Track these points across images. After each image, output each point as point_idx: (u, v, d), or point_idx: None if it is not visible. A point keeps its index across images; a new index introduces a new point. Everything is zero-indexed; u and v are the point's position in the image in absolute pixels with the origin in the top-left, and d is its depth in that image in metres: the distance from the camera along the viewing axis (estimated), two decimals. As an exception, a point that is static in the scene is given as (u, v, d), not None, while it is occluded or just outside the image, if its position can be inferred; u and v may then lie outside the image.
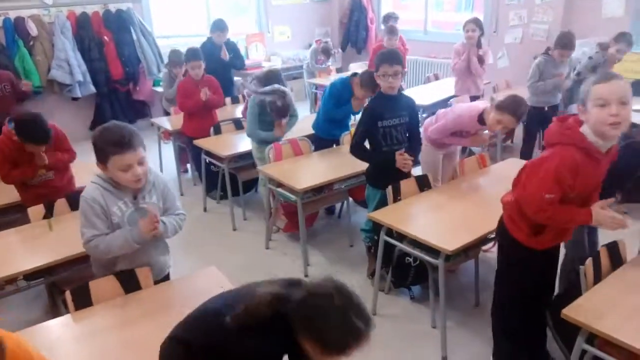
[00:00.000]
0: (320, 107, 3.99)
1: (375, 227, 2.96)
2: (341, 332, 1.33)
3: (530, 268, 2.23)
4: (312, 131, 4.09)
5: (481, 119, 3.22)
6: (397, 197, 2.89)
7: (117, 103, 6.63)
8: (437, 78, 6.21)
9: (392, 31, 5.71)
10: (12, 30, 5.78)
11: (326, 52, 6.66)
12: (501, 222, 2.29)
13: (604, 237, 2.42)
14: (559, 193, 1.96)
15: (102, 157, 2.01)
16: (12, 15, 5.78)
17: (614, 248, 2.22)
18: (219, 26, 5.59)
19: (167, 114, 5.30)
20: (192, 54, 4.47)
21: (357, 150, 2.99)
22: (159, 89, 6.62)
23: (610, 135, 1.89)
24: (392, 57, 2.84)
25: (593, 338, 1.92)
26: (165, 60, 5.60)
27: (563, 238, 2.24)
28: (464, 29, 4.84)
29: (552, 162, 1.95)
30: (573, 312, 1.90)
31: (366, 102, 3.73)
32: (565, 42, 4.36)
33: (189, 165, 5.36)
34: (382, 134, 2.92)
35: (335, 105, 3.84)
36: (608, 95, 1.84)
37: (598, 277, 2.10)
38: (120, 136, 1.97)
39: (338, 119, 3.98)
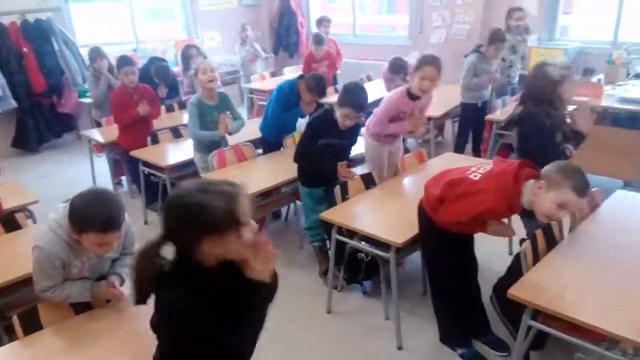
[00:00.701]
0: (268, 111, 3.97)
1: (325, 226, 3.02)
2: (218, 211, 1.31)
3: (452, 247, 2.41)
4: (254, 136, 4.09)
5: (410, 94, 3.32)
6: (345, 196, 2.96)
7: (41, 117, 6.28)
8: (369, 79, 6.38)
9: (318, 41, 5.80)
10: None
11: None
12: (420, 205, 2.45)
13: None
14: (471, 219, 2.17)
15: (79, 227, 1.83)
16: None
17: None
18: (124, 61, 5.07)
19: (98, 125, 5.09)
20: (123, 60, 4.35)
21: (299, 160, 3.12)
22: (86, 100, 6.36)
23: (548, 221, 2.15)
24: (359, 104, 2.92)
25: (537, 314, 2.07)
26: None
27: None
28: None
29: (484, 205, 2.08)
30: (517, 291, 2.04)
31: (313, 106, 3.82)
32: (503, 38, 4.63)
33: (123, 178, 5.19)
34: (321, 145, 3.02)
35: (284, 109, 3.85)
36: (572, 205, 2.00)
37: (536, 258, 2.27)
38: (109, 218, 1.82)
39: (287, 124, 3.99)
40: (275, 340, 2.79)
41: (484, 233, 2.27)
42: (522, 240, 2.80)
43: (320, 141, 3.00)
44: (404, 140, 4.11)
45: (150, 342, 1.56)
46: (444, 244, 2.40)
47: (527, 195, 2.07)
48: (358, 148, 3.59)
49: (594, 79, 4.70)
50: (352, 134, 3.16)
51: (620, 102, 4.05)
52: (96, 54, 4.99)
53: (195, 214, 1.31)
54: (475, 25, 6.20)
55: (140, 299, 1.43)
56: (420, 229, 2.51)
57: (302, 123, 3.80)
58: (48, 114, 6.38)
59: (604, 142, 4.10)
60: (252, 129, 4.19)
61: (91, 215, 1.80)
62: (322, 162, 3.05)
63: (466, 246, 2.51)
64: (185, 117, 4.67)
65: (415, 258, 3.28)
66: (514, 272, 2.34)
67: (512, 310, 2.28)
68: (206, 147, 3.74)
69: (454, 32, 6.49)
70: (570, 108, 2.84)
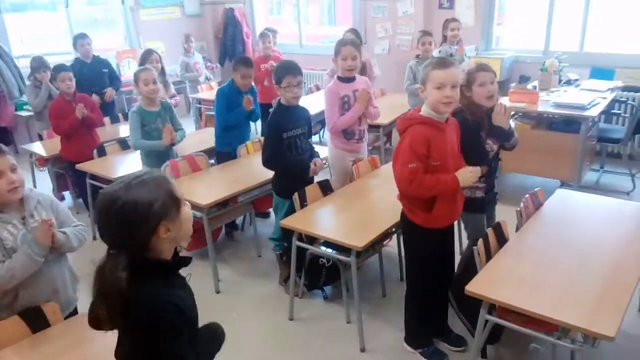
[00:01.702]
0: (215, 118, 3.96)
1: (286, 234, 3.04)
2: (162, 197, 1.33)
3: (432, 249, 2.51)
4: (206, 146, 4.06)
5: (341, 78, 3.46)
6: (303, 203, 3.00)
7: (-25, 131, 5.94)
8: (318, 89, 6.46)
9: (263, 35, 5.83)
10: None
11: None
12: (402, 213, 2.55)
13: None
14: (420, 162, 2.29)
15: None
16: None
17: (498, 228, 2.54)
18: (80, 35, 5.41)
19: (40, 138, 4.88)
20: (59, 67, 4.22)
21: (270, 163, 3.12)
22: (23, 113, 6.07)
23: (443, 111, 2.32)
24: (294, 68, 3.00)
25: (493, 309, 2.19)
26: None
27: (454, 215, 2.53)
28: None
29: (406, 140, 2.32)
30: (473, 287, 2.15)
31: (251, 82, 3.91)
32: (428, 33, 5.02)
33: (67, 193, 4.98)
34: (287, 145, 3.03)
35: (227, 109, 3.86)
36: (444, 80, 2.24)
37: (489, 255, 2.40)
38: None
39: (235, 126, 3.96)
40: (238, 350, 2.78)
41: (457, 186, 2.33)
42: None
43: (284, 135, 3.03)
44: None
45: None
46: (424, 245, 2.51)
47: (424, 106, 2.36)
48: (321, 153, 3.63)
49: (529, 86, 4.99)
50: (306, 118, 3.22)
51: (555, 107, 4.33)
52: (39, 64, 4.78)
53: (144, 209, 1.30)
54: (416, 36, 6.42)
55: (114, 320, 1.32)
56: (403, 233, 2.63)
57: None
58: (-18, 129, 6.04)
59: (542, 145, 4.38)
60: (203, 138, 4.17)
61: None
62: (291, 158, 3.08)
63: (447, 249, 2.63)
64: (120, 131, 4.59)
65: (374, 261, 3.36)
66: (468, 269, 2.45)
67: (468, 306, 2.39)
68: (155, 158, 3.64)
69: (397, 42, 6.71)
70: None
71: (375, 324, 2.97)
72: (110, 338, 1.43)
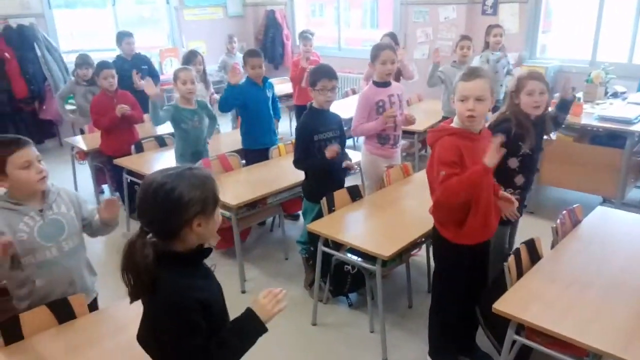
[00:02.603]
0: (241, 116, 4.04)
1: (312, 238, 3.02)
2: (205, 193, 1.40)
3: (462, 265, 2.42)
4: (240, 146, 4.09)
5: (377, 83, 3.45)
6: (331, 208, 2.97)
7: (22, 123, 6.19)
8: (354, 92, 6.43)
9: (304, 38, 5.84)
10: None
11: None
12: (434, 227, 2.47)
13: (522, 236, 2.66)
14: (449, 168, 2.17)
15: None
16: None
17: (531, 245, 2.45)
18: (124, 33, 5.54)
19: (81, 132, 5.04)
20: (102, 64, 4.33)
21: (299, 164, 3.12)
22: (68, 107, 6.28)
23: (468, 125, 2.21)
24: (330, 72, 3.00)
25: (521, 328, 2.10)
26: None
27: (487, 232, 2.41)
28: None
29: (436, 152, 2.24)
30: (502, 305, 2.07)
31: (263, 70, 3.96)
32: (467, 36, 4.87)
33: (105, 186, 5.13)
34: (317, 148, 3.03)
35: (244, 104, 3.95)
36: (467, 92, 2.14)
37: (520, 272, 2.31)
38: (10, 138, 2.00)
39: (256, 121, 4.00)
40: (259, 351, 2.78)
41: (487, 169, 2.11)
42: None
43: (315, 137, 3.02)
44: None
45: (137, 357, 1.53)
46: (453, 261, 2.42)
47: (456, 117, 2.25)
48: (353, 158, 3.60)
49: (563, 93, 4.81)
50: (338, 122, 3.20)
51: (599, 121, 4.15)
52: (82, 61, 4.93)
53: (186, 199, 1.36)
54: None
55: (139, 292, 1.41)
56: (433, 246, 2.55)
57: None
58: (29, 121, 6.29)
59: (583, 159, 4.21)
60: (237, 138, 4.19)
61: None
62: (321, 162, 3.06)
63: (478, 266, 2.51)
64: (158, 128, 4.67)
65: (402, 271, 3.30)
66: (498, 286, 2.37)
67: (497, 324, 2.31)
68: (189, 157, 3.73)
69: (437, 48, 6.59)
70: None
71: (399, 335, 2.92)
72: (129, 333, 1.45)
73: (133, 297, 1.42)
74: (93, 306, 2.27)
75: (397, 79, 5.12)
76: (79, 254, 2.20)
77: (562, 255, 2.46)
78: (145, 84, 3.63)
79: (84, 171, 4.95)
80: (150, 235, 1.40)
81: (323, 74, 2.98)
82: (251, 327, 1.53)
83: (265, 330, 1.54)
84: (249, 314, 1.53)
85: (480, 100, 2.14)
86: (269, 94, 4.06)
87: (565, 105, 3.03)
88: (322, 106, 3.05)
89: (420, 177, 3.56)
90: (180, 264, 1.42)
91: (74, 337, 1.97)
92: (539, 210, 4.33)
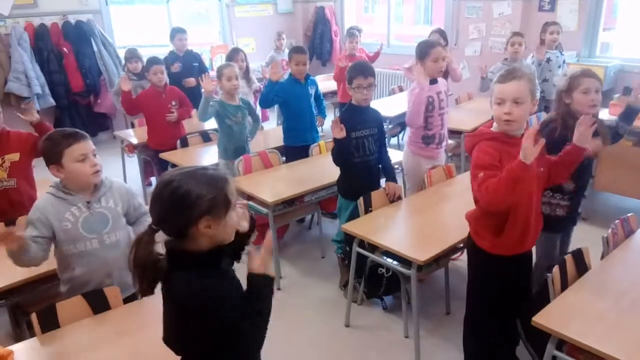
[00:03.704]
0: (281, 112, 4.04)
1: (348, 239, 2.98)
2: (211, 194, 1.36)
3: (499, 277, 2.27)
4: (280, 143, 4.09)
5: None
6: (368, 209, 2.91)
7: (78, 116, 6.45)
8: (401, 90, 6.31)
9: (350, 34, 5.78)
10: (-35, 41, 5.57)
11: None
12: (468, 236, 2.35)
13: (575, 245, 2.51)
14: (488, 170, 2.01)
15: (55, 157, 2.04)
16: (-35, 26, 5.58)
17: (578, 255, 2.30)
18: (177, 29, 5.64)
19: (132, 125, 5.20)
20: (152, 60, 4.42)
21: (336, 160, 3.07)
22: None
23: (505, 130, 2.06)
24: (366, 70, 2.94)
25: (562, 344, 1.98)
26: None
27: (525, 244, 2.26)
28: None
29: (473, 157, 2.11)
30: (542, 319, 1.95)
31: (307, 68, 3.91)
32: (519, 33, 4.72)
33: (153, 179, 5.26)
34: (354, 145, 2.97)
35: (285, 101, 3.93)
36: (504, 94, 2.01)
37: (565, 284, 2.18)
38: (68, 131, 2.10)
39: (298, 117, 3.97)
40: (291, 347, 2.77)
41: (525, 162, 1.87)
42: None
43: (353, 134, 2.97)
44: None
45: (167, 350, 1.52)
46: (489, 274, 2.28)
47: (498, 128, 2.11)
48: (394, 158, 3.54)
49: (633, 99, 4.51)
50: (377, 120, 3.13)
51: (661, 124, 3.86)
52: (131, 55, 5.12)
53: (193, 198, 1.34)
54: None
55: (146, 289, 1.41)
56: (468, 256, 2.41)
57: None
58: (85, 113, 6.55)
59: (641, 165, 3.95)
60: (279, 135, 4.19)
61: (54, 137, 2.08)
62: (357, 159, 3.02)
63: (520, 278, 2.35)
64: (205, 123, 4.70)
65: (440, 275, 3.20)
66: (541, 297, 2.24)
67: (537, 337, 2.18)
68: (232, 152, 3.79)
69: (490, 45, 6.38)
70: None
71: (434, 342, 2.83)
72: (161, 325, 1.46)
73: (142, 293, 1.42)
74: (131, 300, 2.29)
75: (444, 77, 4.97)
76: (122, 247, 2.23)
77: (612, 268, 2.30)
78: (205, 81, 3.69)
79: (133, 164, 5.10)
80: (161, 233, 1.39)
81: (358, 72, 2.93)
82: (257, 285, 1.48)
83: (269, 278, 1.49)
84: (249, 278, 1.48)
85: (518, 103, 2.00)
86: (311, 91, 4.02)
87: (631, 114, 2.80)
88: (360, 103, 3.00)
89: (465, 179, 3.43)
90: (195, 264, 1.40)
91: (107, 327, 2.01)
92: (593, 218, 4.09)
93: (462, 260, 3.30)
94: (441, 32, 4.97)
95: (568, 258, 2.26)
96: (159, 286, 1.42)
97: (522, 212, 2.13)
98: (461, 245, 2.70)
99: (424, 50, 3.34)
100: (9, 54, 5.77)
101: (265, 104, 4.02)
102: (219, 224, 1.38)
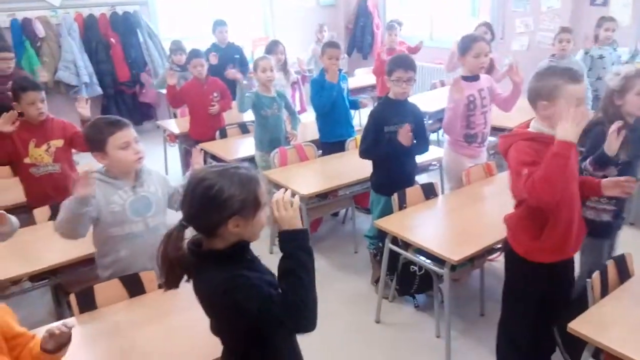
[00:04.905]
0: (314, 108, 4.03)
1: (381, 234, 2.95)
2: (240, 189, 1.37)
3: (536, 284, 2.18)
4: (317, 136, 4.10)
5: (465, 77, 3.28)
6: (402, 205, 2.88)
7: (123, 105, 6.65)
8: (443, 84, 6.18)
9: (390, 27, 5.70)
10: (20, 31, 5.81)
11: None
12: (506, 240, 2.27)
13: (622, 250, 2.40)
14: (530, 167, 1.91)
15: (100, 144, 2.10)
16: (20, 16, 5.81)
17: (621, 261, 2.20)
18: (218, 22, 5.72)
19: (174, 116, 5.33)
20: (193, 52, 4.52)
21: (366, 154, 3.04)
22: (164, 91, 6.64)
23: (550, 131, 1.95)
24: (407, 63, 2.89)
25: (599, 352, 1.90)
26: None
27: (566, 250, 2.16)
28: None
29: (511, 157, 2.02)
30: (579, 325, 1.89)
31: (339, 65, 3.82)
32: (567, 28, 4.56)
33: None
34: (387, 139, 2.93)
35: (319, 91, 3.83)
36: (583, 95, 1.93)
37: (605, 291, 2.09)
38: (112, 119, 2.17)
39: (333, 112, 3.91)
40: (321, 342, 2.77)
41: (566, 142, 1.79)
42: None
43: (386, 129, 2.94)
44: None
45: (201, 334, 1.55)
46: (526, 283, 2.19)
47: (534, 122, 2.01)
48: (433, 154, 3.51)
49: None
50: (415, 115, 3.05)
51: None
52: (176, 47, 5.23)
53: (224, 198, 1.35)
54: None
55: (172, 283, 1.44)
56: (505, 259, 2.33)
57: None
58: (130, 103, 6.74)
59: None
60: (315, 129, 4.19)
61: (97, 124, 2.15)
62: (386, 150, 2.96)
63: (559, 285, 2.24)
64: (244, 115, 4.73)
65: (476, 276, 3.14)
66: (580, 304, 2.16)
67: (575, 345, 2.10)
68: (267, 142, 3.83)
69: (537, 39, 6.16)
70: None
71: (466, 343, 2.78)
72: (196, 311, 1.49)
73: (167, 286, 1.45)
74: None
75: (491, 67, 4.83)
76: (162, 231, 2.29)
77: (658, 276, 2.19)
78: (230, 74, 3.76)
79: (175, 153, 5.21)
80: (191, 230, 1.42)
81: (399, 65, 2.88)
82: (293, 241, 1.43)
83: (304, 231, 1.43)
84: (281, 235, 1.43)
85: (582, 104, 1.91)
86: (344, 86, 3.98)
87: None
88: (398, 97, 2.95)
89: (505, 178, 3.33)
90: (220, 261, 1.41)
91: (142, 311, 2.08)
92: (638, 222, 3.92)
93: (499, 262, 3.21)
94: (488, 26, 4.84)
95: (610, 264, 2.17)
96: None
97: (564, 214, 2.04)
98: (498, 246, 2.64)
99: (466, 45, 3.25)
100: (60, 44, 6.00)
101: (325, 108, 3.88)
102: (248, 224, 1.40)
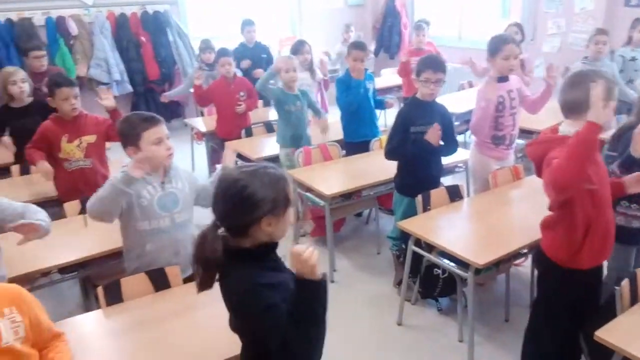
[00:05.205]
0: (339, 108, 4.04)
1: (404, 236, 2.94)
2: (270, 190, 1.40)
3: (570, 291, 2.14)
4: (341, 136, 4.10)
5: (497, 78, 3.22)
6: (426, 207, 2.86)
7: (153, 102, 6.74)
8: (471, 85, 6.11)
9: (418, 27, 5.65)
10: (54, 28, 5.97)
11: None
12: (538, 250, 2.22)
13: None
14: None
15: (133, 139, 2.14)
16: (54, 14, 5.97)
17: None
18: (247, 22, 5.77)
19: (201, 114, 5.40)
20: (221, 51, 4.58)
21: (391, 154, 3.02)
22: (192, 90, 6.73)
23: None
24: (436, 64, 2.87)
25: (627, 362, 1.86)
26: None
27: (604, 254, 2.14)
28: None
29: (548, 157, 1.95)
30: (606, 334, 1.85)
31: (364, 64, 3.82)
32: (604, 30, 4.42)
33: (218, 166, 5.41)
34: (413, 140, 2.91)
35: (346, 89, 3.83)
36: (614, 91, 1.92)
37: (635, 299, 2.03)
38: (146, 115, 2.22)
39: (358, 112, 3.90)
40: (342, 343, 2.77)
41: (592, 129, 1.78)
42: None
43: (412, 129, 2.92)
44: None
45: (224, 330, 1.56)
46: (563, 290, 2.15)
47: (565, 125, 2.00)
48: (459, 156, 3.47)
49: None
50: (442, 116, 3.00)
51: None
52: (206, 46, 5.28)
53: (258, 198, 1.38)
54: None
55: (207, 283, 1.46)
56: (538, 272, 2.30)
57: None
58: (159, 100, 6.80)
59: None
60: (339, 128, 4.19)
61: (132, 119, 2.20)
62: (413, 150, 2.93)
63: (590, 295, 2.20)
64: (270, 114, 4.89)
65: (502, 280, 3.09)
66: (608, 311, 2.10)
67: (601, 354, 2.05)
68: (290, 140, 3.87)
69: (570, 41, 6.03)
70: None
71: (489, 349, 2.74)
72: (219, 306, 1.50)
73: (201, 288, 1.46)
74: (191, 280, 2.40)
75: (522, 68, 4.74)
76: (187, 228, 2.34)
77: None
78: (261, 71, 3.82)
79: (201, 151, 5.28)
80: (221, 229, 1.43)
81: (428, 66, 2.86)
82: (309, 291, 1.39)
83: (321, 282, 1.39)
84: (298, 284, 1.39)
85: None
86: (369, 86, 3.96)
87: None
88: (425, 98, 2.93)
89: (533, 181, 3.28)
90: (249, 260, 1.43)
91: (167, 305, 2.11)
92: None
93: (525, 267, 3.17)
94: (519, 26, 4.76)
95: (639, 271, 2.11)
96: None
97: (602, 218, 2.01)
98: (525, 251, 2.59)
99: (495, 46, 3.20)
100: (92, 42, 6.15)
101: (352, 106, 3.87)
102: (279, 222, 1.43)
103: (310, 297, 1.38)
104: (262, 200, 1.38)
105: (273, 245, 1.49)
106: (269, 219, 1.40)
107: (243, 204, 1.38)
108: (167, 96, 5.65)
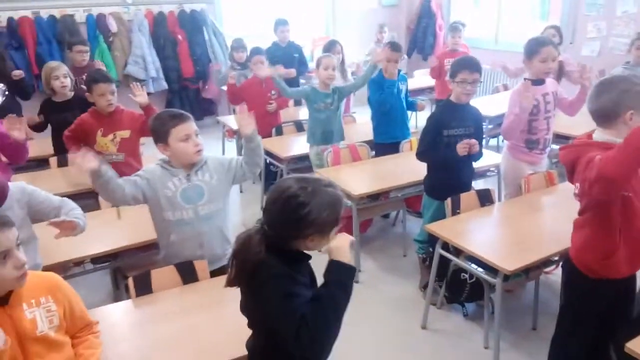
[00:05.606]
0: (370, 108, 4.03)
1: (431, 239, 2.91)
2: (329, 214, 1.42)
3: (599, 302, 2.08)
4: (371, 136, 4.09)
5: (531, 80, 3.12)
6: (456, 210, 2.82)
7: (187, 100, 6.87)
8: (506, 88, 6.00)
9: (454, 29, 5.59)
10: (94, 25, 6.15)
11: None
12: (567, 258, 2.16)
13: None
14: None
15: (163, 135, 2.21)
16: (95, 12, 6.14)
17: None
18: (280, 21, 5.78)
19: (233, 112, 5.47)
20: (254, 50, 4.66)
21: (422, 157, 3.00)
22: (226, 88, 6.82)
23: None
24: (473, 65, 2.84)
25: (661, 376, 1.79)
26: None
27: (636, 263, 2.07)
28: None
29: (583, 160, 1.87)
30: (638, 345, 1.79)
31: (398, 65, 3.82)
32: None
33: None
34: (446, 143, 2.88)
35: (378, 88, 3.81)
36: None
37: (671, 311, 1.97)
38: (174, 112, 2.28)
39: (390, 113, 3.88)
40: (365, 345, 2.77)
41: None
42: None
43: (445, 132, 2.89)
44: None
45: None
46: (591, 301, 2.09)
47: (599, 132, 1.94)
48: (491, 160, 3.42)
49: None
50: (475, 119, 2.98)
51: None
52: (238, 45, 5.35)
53: (311, 217, 1.40)
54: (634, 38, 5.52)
55: (236, 281, 1.49)
56: (565, 276, 2.24)
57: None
58: (193, 98, 6.96)
59: None
60: (369, 130, 4.18)
61: (162, 117, 2.26)
62: (444, 154, 2.91)
63: (622, 304, 2.13)
64: (300, 114, 4.92)
65: (531, 288, 3.03)
66: (638, 322, 2.04)
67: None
68: (319, 136, 3.88)
69: (610, 45, 5.86)
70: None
71: (515, 357, 2.69)
72: None
73: (231, 284, 1.50)
74: (221, 273, 2.43)
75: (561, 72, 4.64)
76: (215, 220, 2.35)
77: None
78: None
79: (233, 148, 5.35)
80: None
81: (464, 66, 2.82)
82: (341, 273, 1.45)
83: (352, 269, 1.46)
84: (330, 264, 1.46)
85: None
86: (402, 87, 3.95)
87: None
88: (460, 100, 2.89)
89: (567, 188, 3.18)
90: (285, 257, 1.45)
91: (194, 297, 2.15)
92: None
93: (556, 275, 3.09)
94: (557, 29, 4.65)
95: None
96: None
97: (637, 228, 1.94)
98: (556, 258, 2.54)
99: (532, 48, 3.12)
100: (130, 39, 6.30)
101: (385, 105, 3.85)
102: (322, 240, 1.46)
103: (341, 279, 1.43)
104: (315, 220, 1.40)
105: (307, 256, 1.52)
106: (314, 237, 1.44)
107: (297, 221, 1.40)
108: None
